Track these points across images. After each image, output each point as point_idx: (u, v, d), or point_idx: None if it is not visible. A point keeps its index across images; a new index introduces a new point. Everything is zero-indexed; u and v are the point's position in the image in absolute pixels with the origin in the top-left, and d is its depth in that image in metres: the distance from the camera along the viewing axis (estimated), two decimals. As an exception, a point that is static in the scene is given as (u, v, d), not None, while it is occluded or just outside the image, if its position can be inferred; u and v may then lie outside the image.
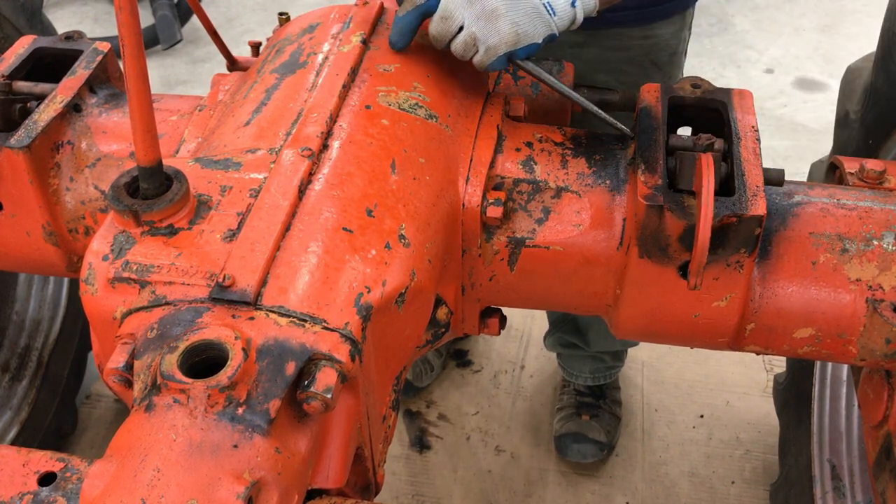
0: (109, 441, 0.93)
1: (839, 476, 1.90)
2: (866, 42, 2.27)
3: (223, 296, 1.00)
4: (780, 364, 2.58)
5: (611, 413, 2.48)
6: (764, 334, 1.36)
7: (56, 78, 1.52)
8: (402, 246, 1.16)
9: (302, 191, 1.14)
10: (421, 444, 2.50)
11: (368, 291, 1.07)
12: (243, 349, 0.93)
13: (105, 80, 1.56)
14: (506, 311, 1.52)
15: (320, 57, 1.38)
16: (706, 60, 4.19)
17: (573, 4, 1.33)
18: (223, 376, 0.90)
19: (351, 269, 1.08)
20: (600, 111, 1.41)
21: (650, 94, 1.42)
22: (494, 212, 1.31)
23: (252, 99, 1.35)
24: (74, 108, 1.48)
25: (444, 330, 1.39)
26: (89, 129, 1.48)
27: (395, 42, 1.40)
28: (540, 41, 1.33)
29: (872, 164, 1.44)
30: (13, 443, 2.18)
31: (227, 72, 1.63)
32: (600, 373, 2.47)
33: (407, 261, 1.15)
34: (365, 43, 1.40)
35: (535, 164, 1.38)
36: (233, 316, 0.98)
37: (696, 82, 1.44)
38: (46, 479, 0.99)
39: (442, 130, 1.34)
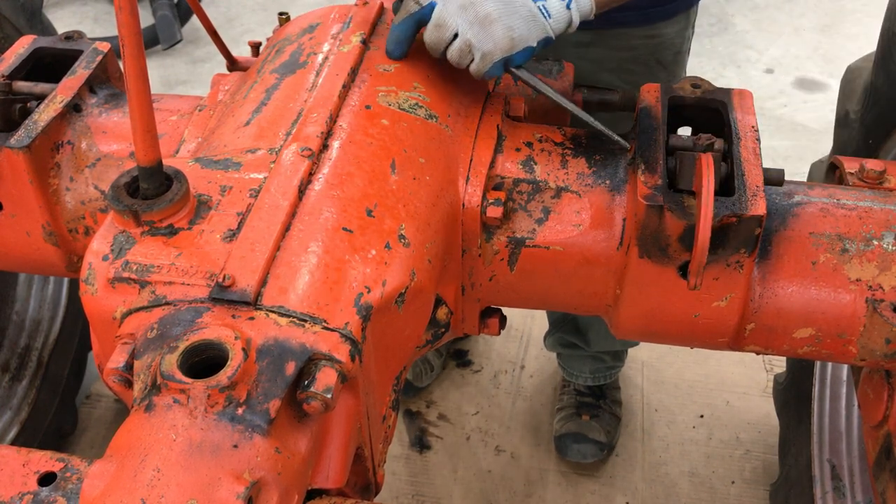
0: (109, 441, 0.93)
1: (839, 476, 1.90)
2: (866, 42, 2.27)
3: (223, 296, 1.00)
4: (780, 364, 2.58)
5: (611, 413, 2.48)
6: (764, 334, 1.36)
7: (56, 78, 1.52)
8: (402, 246, 1.16)
9: (302, 191, 1.14)
10: (421, 444, 2.50)
11: (368, 291, 1.07)
12: (243, 349, 0.93)
13: (105, 80, 1.56)
14: (506, 311, 1.52)
15: (320, 57, 1.38)
16: (706, 60, 4.19)
17: (568, 7, 1.32)
18: (223, 376, 0.90)
19: (351, 269, 1.08)
20: (596, 122, 1.38)
21: (650, 94, 1.42)
22: (494, 212, 1.31)
23: (252, 99, 1.35)
24: (74, 108, 1.48)
25: (444, 330, 1.39)
26: (89, 129, 1.48)
27: (391, 51, 1.39)
28: (535, 45, 1.32)
29: (872, 164, 1.44)
30: (13, 443, 2.18)
31: (227, 72, 1.63)
32: (600, 373, 2.47)
33: (407, 261, 1.15)
34: (365, 43, 1.40)
35: (535, 164, 1.38)
36: (233, 316, 0.98)
37: (696, 82, 1.44)
38: (46, 479, 0.99)
39: (442, 130, 1.34)
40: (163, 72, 4.20)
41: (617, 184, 1.35)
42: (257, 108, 1.31)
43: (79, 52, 1.57)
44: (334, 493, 1.06)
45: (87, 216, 1.46)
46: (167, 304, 1.01)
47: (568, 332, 2.38)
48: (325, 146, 1.22)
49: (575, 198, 1.35)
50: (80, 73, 1.52)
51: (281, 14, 1.59)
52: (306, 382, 0.95)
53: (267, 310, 1.00)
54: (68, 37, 1.61)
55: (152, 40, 4.25)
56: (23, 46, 1.58)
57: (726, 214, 1.21)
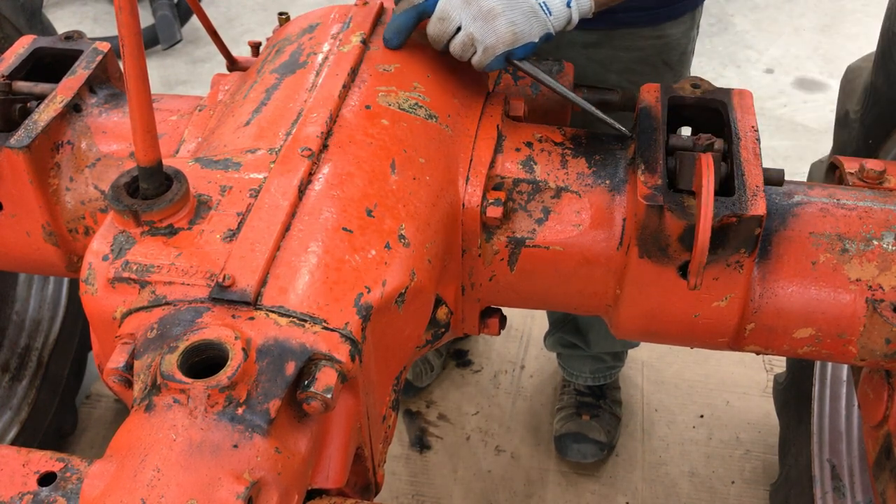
0: (109, 441, 0.93)
1: (839, 476, 1.90)
2: (866, 42, 2.27)
3: (223, 296, 1.00)
4: (780, 364, 2.58)
5: (611, 413, 2.48)
6: (764, 334, 1.36)
7: (56, 78, 1.52)
8: (401, 246, 1.16)
9: (302, 191, 1.14)
10: (421, 444, 2.50)
11: (368, 291, 1.07)
12: (243, 349, 0.93)
13: (105, 80, 1.56)
14: (506, 311, 1.52)
15: (320, 57, 1.38)
16: (706, 60, 4.19)
17: (568, 5, 1.34)
18: (223, 376, 0.90)
19: (351, 269, 1.08)
20: (598, 112, 1.41)
21: (650, 94, 1.42)
22: (494, 212, 1.31)
23: (252, 99, 1.35)
24: (74, 108, 1.48)
25: (444, 330, 1.39)
26: (89, 129, 1.48)
27: (389, 39, 1.40)
28: (536, 40, 1.34)
29: (872, 164, 1.44)
30: (13, 443, 2.18)
31: (227, 72, 1.63)
32: (600, 373, 2.47)
33: (407, 261, 1.15)
34: (365, 43, 1.40)
35: (535, 164, 1.38)
36: (233, 316, 0.98)
37: (696, 82, 1.44)
38: (46, 479, 0.99)
39: (442, 130, 1.34)
40: (163, 72, 4.20)
41: (617, 184, 1.35)
42: (257, 108, 1.31)
43: (79, 52, 1.57)
44: (334, 493, 1.06)
45: (87, 216, 1.46)
46: (167, 304, 1.01)
47: (568, 332, 2.38)
48: (325, 146, 1.22)
49: (575, 198, 1.35)
50: (80, 73, 1.52)
51: (281, 14, 1.59)
52: (306, 382, 0.95)
53: (267, 310, 1.00)
54: (68, 37, 1.61)
55: (152, 40, 4.25)
56: (23, 46, 1.58)
57: (726, 214, 1.21)
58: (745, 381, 2.64)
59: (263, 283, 1.02)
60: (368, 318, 1.05)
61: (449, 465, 2.44)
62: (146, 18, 4.30)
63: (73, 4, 4.75)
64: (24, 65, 1.55)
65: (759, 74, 4.15)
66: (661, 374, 2.68)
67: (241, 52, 1.69)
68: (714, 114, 1.40)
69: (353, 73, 1.34)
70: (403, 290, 1.13)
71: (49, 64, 1.58)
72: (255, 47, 1.63)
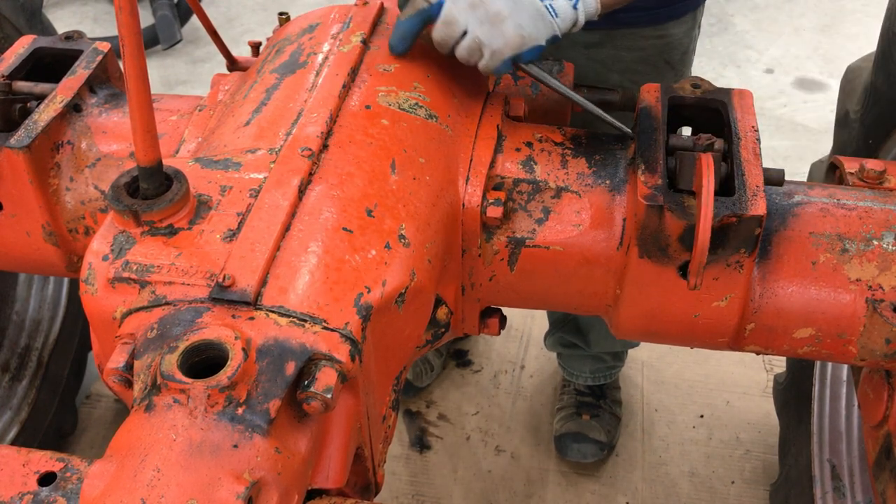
0: (109, 441, 0.93)
1: (839, 476, 1.90)
2: (866, 42, 2.27)
3: (223, 296, 1.00)
4: (780, 364, 2.58)
5: (611, 413, 2.48)
6: (764, 334, 1.36)
7: (56, 78, 1.52)
8: (401, 246, 1.16)
9: (302, 191, 1.14)
10: (421, 444, 2.50)
11: (368, 291, 1.07)
12: (243, 349, 0.93)
13: (105, 80, 1.56)
14: (506, 311, 1.52)
15: (320, 57, 1.38)
16: (706, 60, 4.19)
17: (575, 7, 1.33)
18: (223, 376, 0.90)
19: (351, 269, 1.08)
20: (602, 112, 1.41)
21: (650, 94, 1.42)
22: (494, 212, 1.31)
23: (252, 99, 1.35)
24: (74, 108, 1.48)
25: (444, 330, 1.39)
26: (89, 129, 1.48)
27: (395, 46, 1.39)
28: (543, 43, 1.33)
29: (872, 164, 1.44)
30: (13, 443, 2.18)
31: (227, 72, 1.63)
32: (601, 373, 2.47)
33: (407, 261, 1.15)
34: (365, 43, 1.40)
35: (535, 164, 1.38)
36: (233, 316, 0.98)
37: (696, 82, 1.44)
38: (46, 479, 0.99)
39: (442, 130, 1.34)
40: (163, 72, 4.20)
41: (617, 184, 1.35)
42: (257, 108, 1.31)
43: (79, 52, 1.57)
44: (334, 493, 1.06)
45: (87, 216, 1.46)
46: (167, 304, 1.01)
47: (568, 332, 2.38)
48: (325, 146, 1.22)
49: (575, 198, 1.35)
50: (80, 73, 1.52)
51: (281, 14, 1.59)
52: (306, 382, 0.95)
53: (267, 310, 1.00)
54: (68, 37, 1.61)
55: (152, 40, 4.25)
56: (23, 46, 1.58)
57: (726, 214, 1.21)
58: (745, 381, 2.64)
59: (263, 283, 1.02)
60: (368, 318, 1.05)
61: (449, 465, 2.44)
62: (146, 18, 4.30)
63: (73, 4, 4.75)
64: (24, 65, 1.55)
65: (759, 74, 4.15)
66: (661, 374, 2.68)
67: (241, 52, 1.69)
68: (714, 114, 1.40)
69: (353, 72, 1.34)
70: (403, 290, 1.13)
71: (49, 64, 1.58)
72: (255, 47, 1.63)
